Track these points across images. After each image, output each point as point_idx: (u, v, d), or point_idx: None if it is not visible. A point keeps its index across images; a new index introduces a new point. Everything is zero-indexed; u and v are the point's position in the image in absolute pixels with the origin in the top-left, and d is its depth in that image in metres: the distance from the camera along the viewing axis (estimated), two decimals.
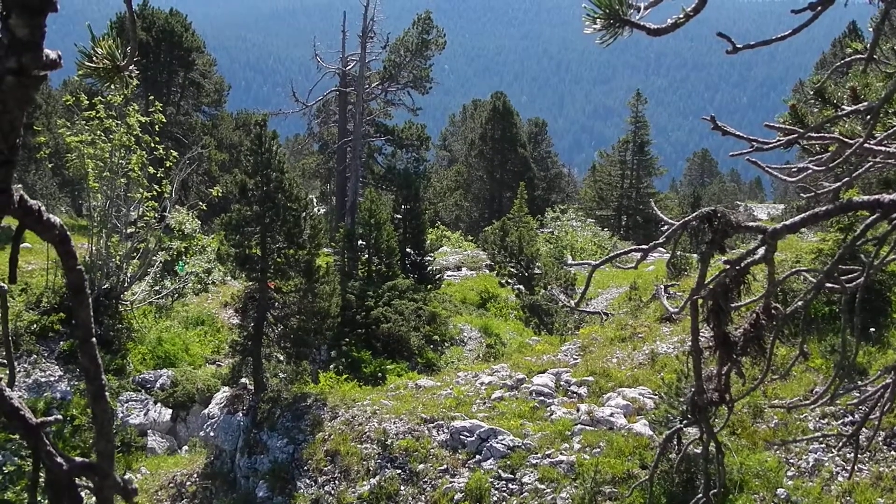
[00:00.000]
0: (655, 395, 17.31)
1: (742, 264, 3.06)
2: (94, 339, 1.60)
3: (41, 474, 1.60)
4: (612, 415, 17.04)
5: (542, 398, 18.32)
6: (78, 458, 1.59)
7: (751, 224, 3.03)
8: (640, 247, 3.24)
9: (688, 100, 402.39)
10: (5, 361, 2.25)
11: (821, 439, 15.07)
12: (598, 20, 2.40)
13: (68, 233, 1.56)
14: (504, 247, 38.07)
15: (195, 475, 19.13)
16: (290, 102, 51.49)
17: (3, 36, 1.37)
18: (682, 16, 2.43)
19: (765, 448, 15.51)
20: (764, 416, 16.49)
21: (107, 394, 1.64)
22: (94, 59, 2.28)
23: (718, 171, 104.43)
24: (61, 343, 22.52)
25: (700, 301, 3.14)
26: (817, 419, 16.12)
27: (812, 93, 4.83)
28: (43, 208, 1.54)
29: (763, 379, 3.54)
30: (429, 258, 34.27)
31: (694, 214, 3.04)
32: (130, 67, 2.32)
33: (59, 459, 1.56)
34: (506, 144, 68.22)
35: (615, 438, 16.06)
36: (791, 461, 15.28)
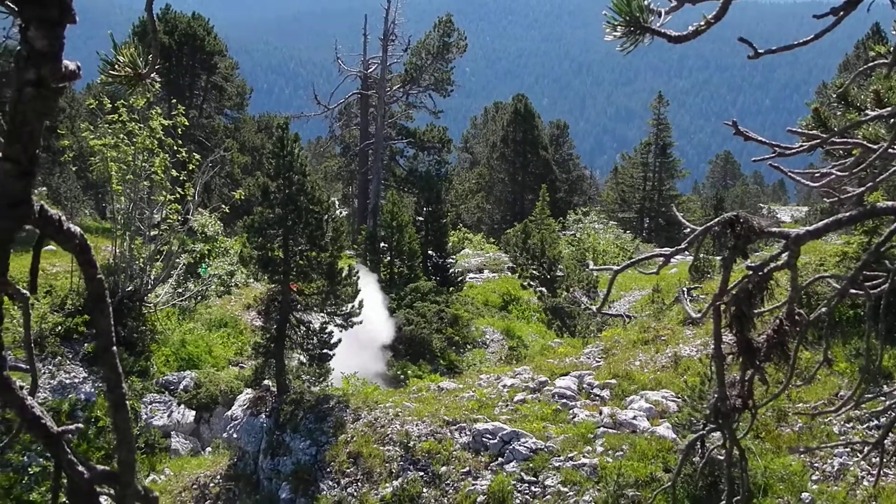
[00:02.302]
0: (678, 398, 17.23)
1: (765, 270, 3.04)
2: (114, 348, 1.60)
3: (63, 482, 1.62)
4: (634, 418, 16.97)
5: (564, 401, 18.27)
6: (99, 467, 1.59)
7: (773, 229, 3.01)
8: (662, 251, 3.22)
9: (710, 102, 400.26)
10: (27, 367, 2.26)
11: (846, 444, 14.94)
12: (619, 27, 2.39)
13: (88, 242, 1.57)
14: (526, 249, 38.07)
15: (218, 476, 19.20)
16: (312, 105, 51.69)
17: (22, 48, 1.38)
18: (703, 23, 2.42)
19: (789, 452, 15.40)
20: (788, 420, 16.38)
21: (128, 403, 1.64)
22: (116, 66, 2.30)
23: (741, 173, 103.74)
24: (85, 345, 22.65)
25: (722, 307, 3.12)
26: (842, 423, 15.99)
27: (835, 96, 4.79)
28: (63, 217, 1.55)
29: (787, 386, 3.51)
30: (451, 260, 34.30)
31: (716, 220, 3.03)
32: (152, 74, 2.33)
33: (80, 468, 1.57)
34: (527, 147, 68.11)
35: (638, 441, 15.99)
36: (816, 465, 15.17)
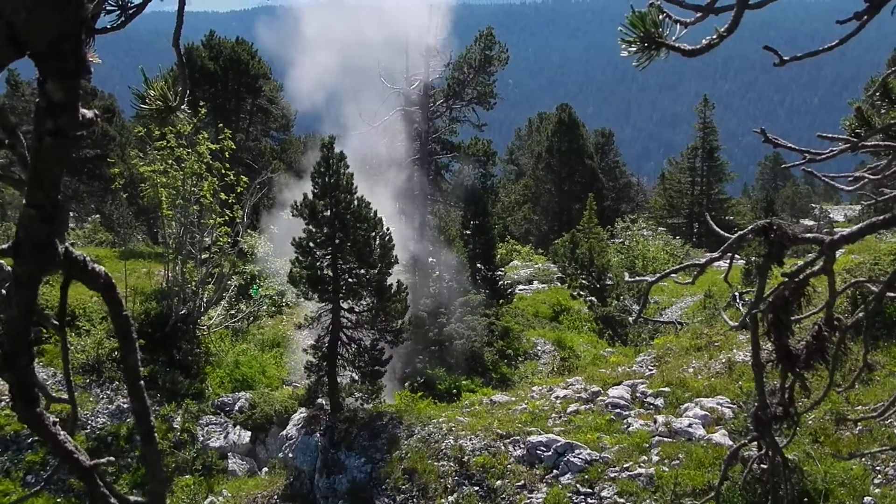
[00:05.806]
0: (734, 404, 17.04)
1: (800, 276, 3.02)
2: (141, 383, 1.65)
3: None
4: (690, 425, 16.80)
5: (618, 410, 18.16)
6: (132, 498, 1.64)
7: (808, 235, 2.99)
8: (696, 262, 3.22)
9: (757, 103, 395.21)
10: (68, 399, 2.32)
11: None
12: (634, 44, 2.41)
13: (113, 280, 1.62)
14: (575, 259, 37.94)
15: (275, 497, 19.32)
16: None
17: (40, 99, 1.44)
18: (715, 36, 2.43)
19: (849, 456, 15.13)
20: (847, 423, 16.09)
21: (156, 435, 1.69)
22: (148, 100, 2.37)
23: (791, 174, 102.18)
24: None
25: (759, 314, 3.11)
26: None
27: (878, 94, 4.72)
28: (88, 258, 1.60)
29: (826, 393, 3.48)
30: (499, 273, 34.25)
31: (749, 228, 3.02)
32: (182, 107, 2.40)
33: (112, 500, 1.61)
34: (573, 156, 67.96)
35: (694, 449, 15.82)
36: (877, 468, 14.89)
